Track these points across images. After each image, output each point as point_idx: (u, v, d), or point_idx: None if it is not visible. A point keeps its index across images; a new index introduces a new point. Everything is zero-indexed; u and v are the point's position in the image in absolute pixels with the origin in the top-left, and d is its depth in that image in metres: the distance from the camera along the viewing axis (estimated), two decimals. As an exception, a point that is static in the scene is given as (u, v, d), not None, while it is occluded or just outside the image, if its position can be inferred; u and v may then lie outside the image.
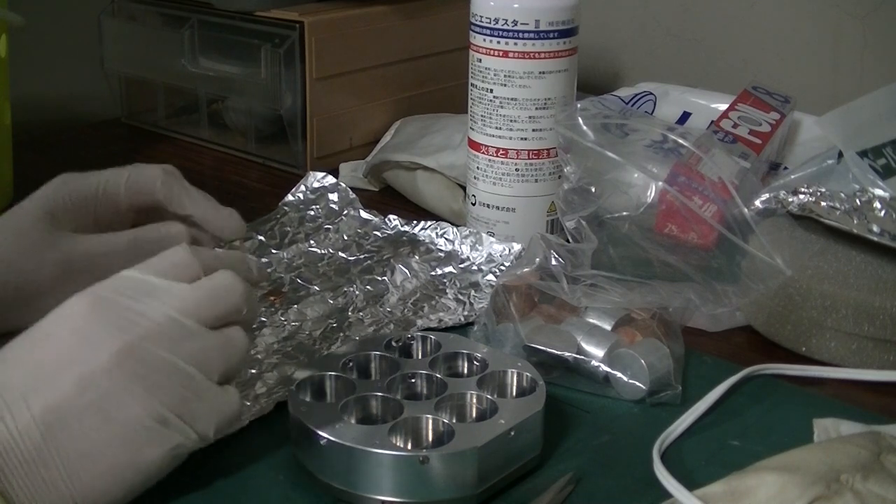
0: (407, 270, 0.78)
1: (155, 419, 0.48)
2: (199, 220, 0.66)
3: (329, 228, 0.85)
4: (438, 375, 0.58)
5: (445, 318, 0.72)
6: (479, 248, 0.81)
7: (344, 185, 0.89)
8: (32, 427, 0.47)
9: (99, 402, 0.48)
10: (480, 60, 0.80)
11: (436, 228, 0.83)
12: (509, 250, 0.79)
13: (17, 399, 0.47)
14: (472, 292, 0.76)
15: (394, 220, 0.85)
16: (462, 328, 0.69)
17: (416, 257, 0.80)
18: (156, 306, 0.50)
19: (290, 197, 0.89)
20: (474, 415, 0.57)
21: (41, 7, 1.16)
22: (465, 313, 0.73)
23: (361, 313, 0.72)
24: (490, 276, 0.78)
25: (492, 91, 0.80)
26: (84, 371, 0.48)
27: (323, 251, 0.82)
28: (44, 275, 0.62)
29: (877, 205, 0.67)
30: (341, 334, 0.70)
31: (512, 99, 0.79)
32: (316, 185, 0.90)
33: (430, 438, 0.54)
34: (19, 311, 0.60)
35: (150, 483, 0.50)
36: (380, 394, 0.57)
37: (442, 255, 0.81)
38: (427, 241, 0.83)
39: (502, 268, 0.78)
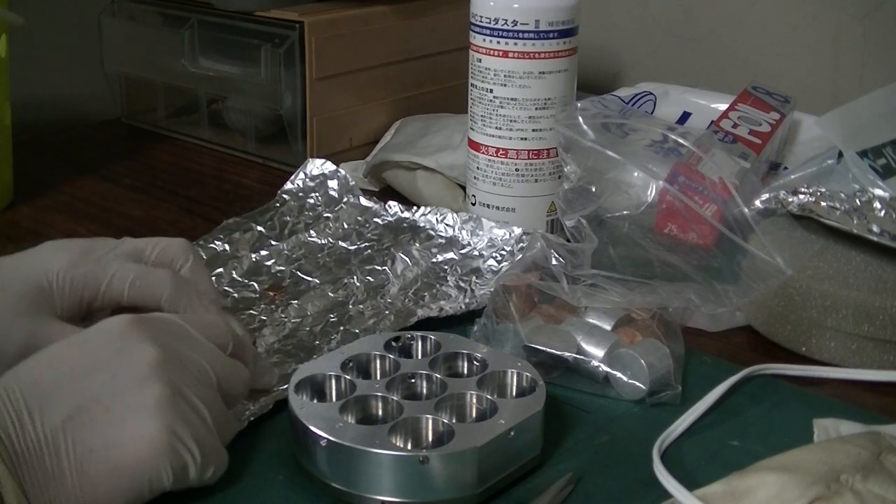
0: (408, 259, 0.78)
1: (171, 433, 0.49)
2: None
3: (329, 217, 0.85)
4: (438, 375, 0.58)
5: (446, 307, 0.72)
6: (480, 233, 0.81)
7: (343, 171, 0.89)
8: (56, 419, 0.48)
9: (123, 407, 0.49)
10: (480, 60, 0.80)
11: (436, 214, 0.83)
12: (510, 234, 0.79)
13: (47, 395, 0.48)
14: (474, 279, 0.76)
15: (394, 207, 0.85)
16: (462, 326, 0.69)
17: (417, 244, 0.80)
18: (191, 348, 0.53)
19: (289, 184, 0.89)
20: (474, 415, 0.57)
21: (41, 7, 1.16)
22: (466, 301, 0.73)
23: (362, 306, 0.72)
24: (491, 262, 0.78)
25: (492, 91, 0.80)
26: (115, 377, 0.49)
27: (323, 241, 0.82)
28: (5, 353, 0.56)
29: (877, 205, 0.67)
30: (341, 328, 0.70)
31: (512, 99, 0.79)
32: (315, 171, 0.89)
33: (430, 438, 0.54)
34: None
35: (148, 496, 0.50)
36: (380, 394, 0.57)
37: (443, 241, 0.81)
38: (427, 226, 0.83)
39: (503, 252, 0.78)
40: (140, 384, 0.49)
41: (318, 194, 0.88)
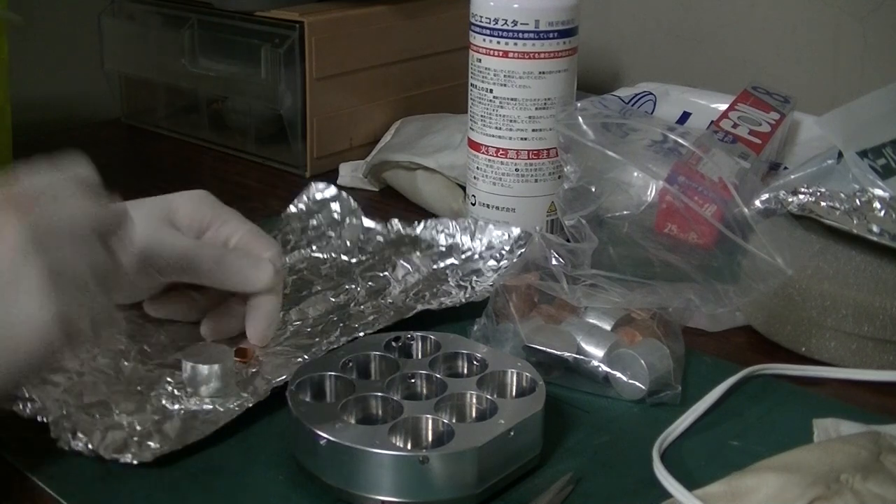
0: (409, 265, 0.78)
1: (59, 303, 0.49)
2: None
3: (331, 235, 0.84)
4: (438, 375, 0.58)
5: (446, 301, 0.72)
6: (479, 236, 0.81)
7: (346, 194, 0.88)
8: None
9: (6, 287, 0.49)
10: (480, 60, 0.80)
11: (435, 226, 0.83)
12: (508, 235, 0.80)
13: None
14: (474, 278, 0.76)
15: (395, 225, 0.85)
16: (462, 326, 0.69)
17: (418, 253, 0.80)
18: (65, 207, 0.53)
19: (291, 209, 0.88)
20: (474, 415, 0.57)
21: (41, 7, 1.16)
22: (466, 296, 0.73)
23: (363, 307, 0.72)
24: (492, 262, 0.78)
25: (492, 91, 0.80)
26: None
27: (325, 255, 0.81)
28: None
29: (877, 205, 0.67)
30: (341, 325, 0.70)
31: (512, 99, 0.79)
32: (318, 196, 0.88)
33: (430, 438, 0.54)
34: None
35: (50, 363, 0.51)
36: (380, 394, 0.57)
37: (443, 249, 0.81)
38: (428, 237, 0.83)
39: (502, 252, 0.78)
40: (19, 261, 0.49)
41: (320, 216, 0.87)
